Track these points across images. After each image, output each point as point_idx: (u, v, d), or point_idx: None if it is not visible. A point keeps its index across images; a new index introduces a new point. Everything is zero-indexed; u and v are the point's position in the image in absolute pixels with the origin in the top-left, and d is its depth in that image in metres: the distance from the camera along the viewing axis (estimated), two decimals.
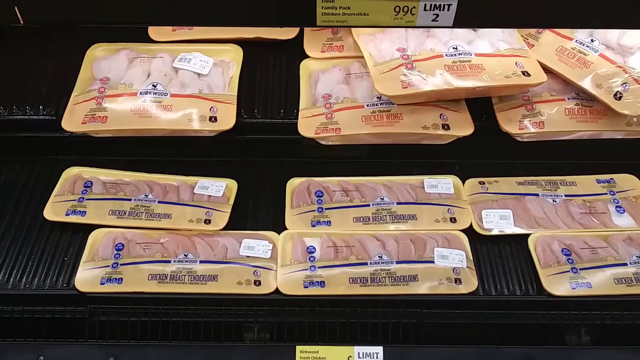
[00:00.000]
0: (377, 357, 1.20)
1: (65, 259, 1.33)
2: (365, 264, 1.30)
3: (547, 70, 1.39)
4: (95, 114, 1.37)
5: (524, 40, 1.42)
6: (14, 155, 1.50)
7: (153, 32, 1.53)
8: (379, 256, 1.31)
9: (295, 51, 1.50)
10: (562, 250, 1.32)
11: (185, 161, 1.50)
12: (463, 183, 1.45)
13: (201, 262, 1.30)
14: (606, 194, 1.43)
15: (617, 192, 1.44)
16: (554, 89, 1.42)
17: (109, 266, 1.29)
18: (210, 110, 1.38)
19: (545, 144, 1.43)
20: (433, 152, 1.47)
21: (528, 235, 1.36)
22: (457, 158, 1.49)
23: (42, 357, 1.20)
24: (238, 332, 1.25)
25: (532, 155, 1.49)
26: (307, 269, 1.29)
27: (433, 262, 1.30)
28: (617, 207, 1.41)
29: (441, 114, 1.38)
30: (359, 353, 1.20)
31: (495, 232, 1.37)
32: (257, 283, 1.28)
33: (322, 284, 1.27)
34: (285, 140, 1.45)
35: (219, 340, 1.23)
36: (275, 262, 1.31)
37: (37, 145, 1.48)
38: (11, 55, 1.54)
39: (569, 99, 1.39)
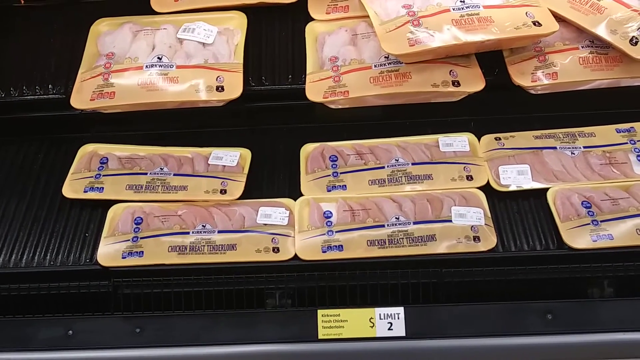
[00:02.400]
0: (398, 318, 1.21)
1: (87, 235, 1.35)
2: (383, 226, 1.29)
3: (559, 18, 1.35)
4: (103, 90, 1.37)
5: None
6: (29, 136, 1.51)
7: (155, 3, 1.52)
8: (395, 218, 1.31)
9: (299, 14, 1.48)
10: (582, 203, 1.30)
11: (198, 132, 1.51)
12: (479, 140, 1.43)
13: (219, 232, 1.31)
14: (626, 143, 1.40)
15: (637, 140, 1.40)
16: (567, 38, 1.38)
17: (129, 240, 1.31)
18: (216, 79, 1.38)
19: (562, 95, 1.40)
20: (447, 110, 1.45)
21: (547, 189, 1.34)
22: (472, 115, 1.47)
23: (70, 331, 1.23)
24: (260, 299, 1.26)
25: (549, 108, 1.46)
26: (324, 234, 1.29)
27: (451, 221, 1.29)
28: (638, 156, 1.38)
29: (451, 71, 1.35)
30: (380, 314, 1.21)
31: (513, 187, 1.35)
32: (276, 250, 1.29)
33: (340, 248, 1.28)
34: (296, 106, 1.44)
35: (241, 307, 1.25)
36: (293, 229, 1.31)
37: (51, 124, 1.49)
38: (17, 35, 1.54)
39: (582, 47, 1.35)
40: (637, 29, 1.28)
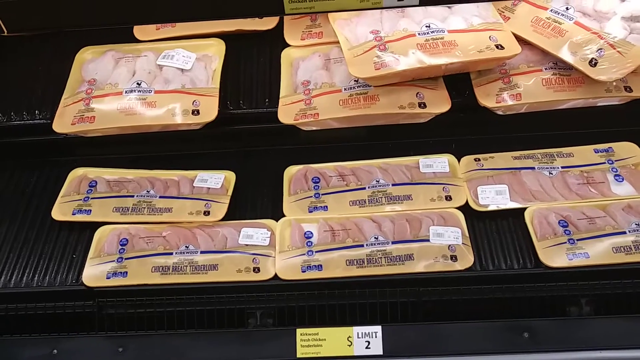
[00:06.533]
0: (376, 336, 1.22)
1: (74, 256, 1.39)
2: (362, 245, 1.31)
3: (524, 42, 1.39)
4: (83, 115, 1.43)
5: (500, 14, 1.43)
6: (22, 160, 1.56)
7: (138, 31, 1.58)
8: (375, 237, 1.33)
9: (276, 40, 1.53)
10: (559, 222, 1.32)
11: (187, 155, 1.54)
12: (459, 161, 1.46)
13: (202, 252, 1.34)
14: (604, 163, 1.42)
15: (615, 160, 1.42)
16: (532, 61, 1.41)
17: (114, 261, 1.34)
18: (192, 103, 1.42)
19: (544, 115, 1.42)
20: (430, 131, 1.48)
21: (525, 209, 1.35)
22: (455, 136, 1.49)
23: (55, 351, 1.25)
24: (240, 318, 1.28)
25: (529, 129, 1.48)
26: (304, 254, 1.32)
27: (428, 240, 1.31)
28: (615, 175, 1.39)
29: (417, 93, 1.39)
30: (358, 333, 1.22)
31: (491, 207, 1.37)
32: (256, 270, 1.31)
33: (319, 267, 1.30)
34: (281, 128, 1.47)
35: (222, 327, 1.27)
36: (274, 249, 1.34)
37: (38, 148, 1.54)
38: (6, 64, 1.61)
39: (546, 69, 1.39)
40: (597, 51, 1.31)
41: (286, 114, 1.41)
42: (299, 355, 1.21)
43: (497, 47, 1.33)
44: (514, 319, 1.23)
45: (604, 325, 1.21)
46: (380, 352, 1.21)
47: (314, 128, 1.42)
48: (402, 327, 1.24)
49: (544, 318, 1.23)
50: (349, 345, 1.21)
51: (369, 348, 1.21)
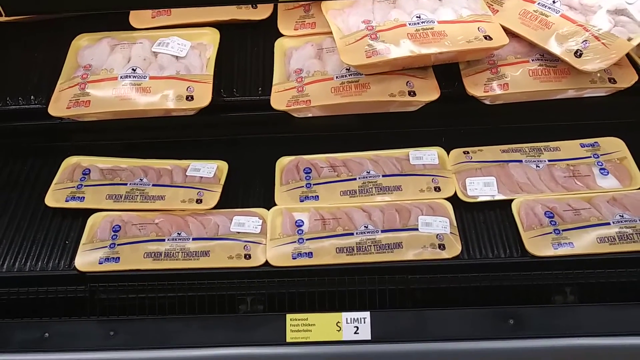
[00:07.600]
0: (364, 322, 1.24)
1: (67, 242, 1.40)
2: (352, 234, 1.34)
3: (512, 34, 1.42)
4: (79, 99, 1.44)
5: (489, 7, 1.46)
6: (17, 146, 1.57)
7: (134, 19, 1.60)
8: (364, 226, 1.35)
9: (270, 30, 1.56)
10: (545, 213, 1.34)
11: (180, 142, 1.56)
12: (448, 154, 1.48)
13: (194, 239, 1.35)
14: (590, 157, 1.45)
15: (601, 154, 1.45)
16: (519, 52, 1.45)
17: (106, 247, 1.35)
18: (187, 89, 1.45)
19: (529, 107, 1.45)
20: (420, 121, 1.50)
21: (512, 200, 1.38)
22: (444, 126, 1.52)
23: (47, 334, 1.26)
24: (231, 304, 1.29)
25: (517, 120, 1.51)
26: (295, 242, 1.33)
27: (417, 229, 1.33)
28: (601, 169, 1.42)
29: (407, 82, 1.42)
30: (346, 319, 1.24)
31: (479, 199, 1.40)
32: (247, 257, 1.33)
33: (309, 255, 1.32)
34: (274, 116, 1.49)
35: (212, 312, 1.28)
36: (265, 237, 1.35)
37: (36, 134, 1.55)
38: (3, 50, 1.62)
39: (533, 60, 1.42)
40: (582, 42, 1.35)
41: (279, 101, 1.44)
42: (288, 339, 1.23)
43: (485, 38, 1.37)
44: (499, 306, 1.25)
45: (587, 313, 1.23)
46: (369, 337, 1.23)
47: (306, 115, 1.44)
48: (390, 313, 1.25)
49: (529, 305, 1.25)
50: (338, 331, 1.23)
51: (358, 333, 1.23)
